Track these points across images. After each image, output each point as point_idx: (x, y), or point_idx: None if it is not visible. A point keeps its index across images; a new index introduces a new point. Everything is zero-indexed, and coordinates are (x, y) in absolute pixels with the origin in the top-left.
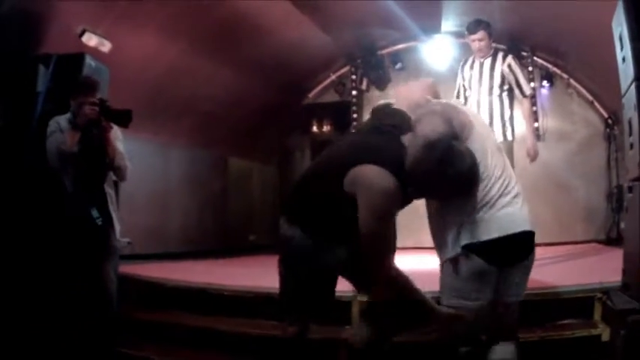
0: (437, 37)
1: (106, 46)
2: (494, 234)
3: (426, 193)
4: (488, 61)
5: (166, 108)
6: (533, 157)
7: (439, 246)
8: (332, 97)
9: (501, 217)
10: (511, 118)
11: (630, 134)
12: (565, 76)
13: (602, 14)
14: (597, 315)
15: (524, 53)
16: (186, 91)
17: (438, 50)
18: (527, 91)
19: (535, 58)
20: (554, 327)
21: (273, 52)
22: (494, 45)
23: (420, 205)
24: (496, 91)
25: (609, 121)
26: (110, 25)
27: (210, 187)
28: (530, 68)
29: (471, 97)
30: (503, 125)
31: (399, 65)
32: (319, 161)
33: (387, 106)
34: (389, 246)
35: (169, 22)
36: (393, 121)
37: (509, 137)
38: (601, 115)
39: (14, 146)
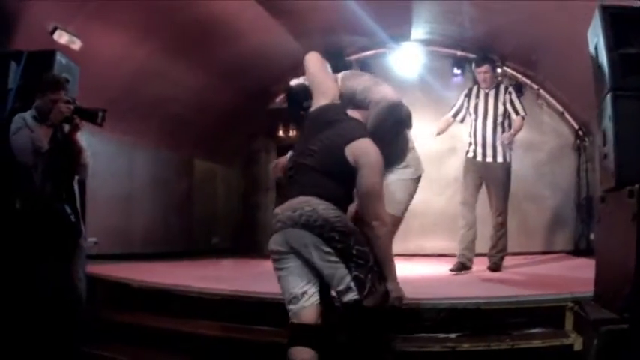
0: (406, 44)
1: (76, 44)
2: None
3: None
4: (492, 92)
5: (134, 108)
6: (506, 137)
7: None
8: None
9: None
10: (510, 143)
11: (604, 144)
12: (535, 86)
13: (573, 25)
14: (569, 324)
15: (495, 63)
16: (154, 92)
17: (407, 58)
18: (521, 112)
19: (505, 67)
20: (524, 336)
21: (242, 56)
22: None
23: (422, 213)
24: (499, 118)
25: (579, 132)
26: (81, 24)
27: (175, 188)
28: (499, 78)
29: (477, 121)
30: (504, 148)
31: (367, 72)
32: (313, 150)
33: (321, 108)
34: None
35: (140, 22)
36: (333, 114)
37: (508, 159)
38: (571, 127)
39: None
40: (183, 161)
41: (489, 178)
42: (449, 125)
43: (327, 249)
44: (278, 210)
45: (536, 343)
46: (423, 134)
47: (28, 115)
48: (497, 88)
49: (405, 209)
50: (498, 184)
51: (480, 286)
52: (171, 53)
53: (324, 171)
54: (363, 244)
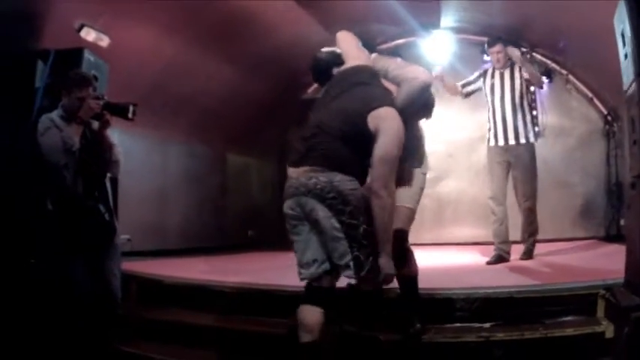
0: (436, 32)
1: (104, 41)
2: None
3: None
4: (507, 72)
5: (165, 104)
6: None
7: None
8: None
9: None
10: (532, 121)
11: (633, 130)
12: (564, 72)
13: (602, 10)
14: (600, 312)
15: (523, 49)
16: (185, 86)
17: (437, 46)
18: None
19: (534, 54)
20: (557, 324)
21: (272, 48)
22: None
23: (455, 201)
24: (517, 98)
25: (608, 117)
26: (109, 20)
27: (208, 183)
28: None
29: (495, 103)
30: (525, 128)
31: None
32: (327, 117)
33: (354, 67)
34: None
35: (169, 17)
36: (366, 76)
37: (532, 139)
38: (600, 112)
39: (12, 142)
40: (217, 155)
41: (514, 162)
42: (455, 91)
43: (335, 223)
44: (293, 174)
45: (569, 331)
46: (453, 122)
47: (54, 114)
48: (512, 67)
49: (418, 201)
50: (523, 167)
51: (512, 274)
52: (201, 47)
53: (342, 137)
54: (370, 224)
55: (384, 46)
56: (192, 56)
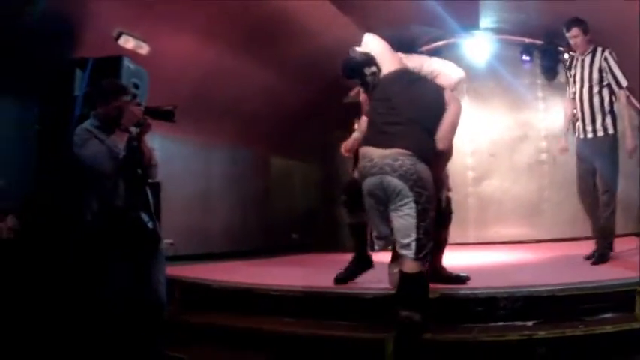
0: (476, 33)
1: (144, 49)
2: None
3: None
4: (587, 58)
5: (207, 109)
6: (630, 151)
7: None
8: None
9: None
10: (611, 111)
11: None
12: None
13: (638, 8)
14: (638, 308)
15: (561, 49)
16: (226, 91)
17: (476, 47)
18: (624, 83)
19: (572, 53)
20: (596, 321)
21: (313, 52)
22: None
23: (498, 201)
24: (595, 86)
25: None
26: (148, 27)
27: (252, 186)
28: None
29: (576, 93)
30: (603, 119)
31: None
32: (406, 107)
33: (402, 69)
34: None
35: (208, 22)
36: (417, 74)
37: (610, 131)
38: (635, 109)
39: (52, 150)
40: (260, 158)
41: (594, 155)
42: (573, 106)
43: (412, 203)
44: (373, 154)
45: (608, 328)
46: (493, 121)
47: (88, 125)
48: (593, 52)
49: None
50: (601, 159)
51: (552, 272)
52: (241, 51)
53: (420, 120)
54: (435, 212)
55: (425, 47)
56: (233, 61)
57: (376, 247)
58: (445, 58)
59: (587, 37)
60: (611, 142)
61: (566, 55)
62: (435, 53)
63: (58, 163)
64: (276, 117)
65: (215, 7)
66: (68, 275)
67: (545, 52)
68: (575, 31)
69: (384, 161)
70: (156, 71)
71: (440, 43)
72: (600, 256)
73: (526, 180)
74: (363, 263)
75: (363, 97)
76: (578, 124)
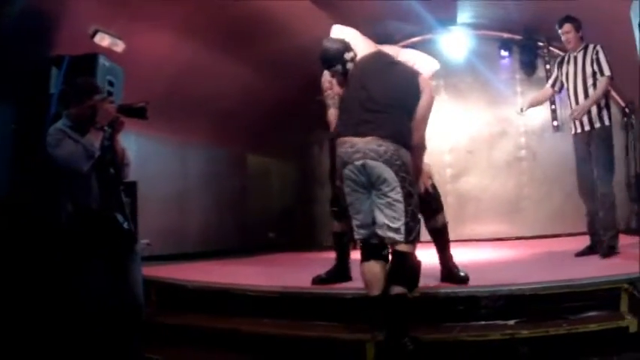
0: (453, 29)
1: (119, 46)
2: None
3: None
4: (580, 54)
5: (183, 107)
6: (575, 114)
7: None
8: None
9: None
10: (607, 104)
11: None
12: None
13: (619, 3)
14: (624, 306)
15: (540, 44)
16: (202, 89)
17: (454, 42)
18: (606, 72)
19: (551, 48)
20: (581, 320)
21: (290, 49)
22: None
23: (476, 198)
24: (589, 79)
25: (626, 110)
26: (124, 25)
27: (228, 185)
28: (546, 59)
29: (570, 90)
30: (599, 112)
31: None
32: (383, 92)
33: (378, 52)
34: None
35: (184, 20)
36: (393, 57)
37: (607, 122)
38: (618, 104)
39: (29, 149)
40: (236, 157)
41: (592, 146)
42: (546, 97)
43: (398, 187)
44: (354, 140)
45: (593, 326)
46: (471, 118)
47: (61, 125)
48: (585, 49)
49: None
50: (597, 152)
51: (535, 270)
52: (218, 49)
53: (399, 106)
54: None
55: (402, 43)
56: (209, 59)
57: (357, 237)
58: None
59: (579, 33)
60: (607, 134)
61: (555, 51)
62: (411, 49)
63: (34, 162)
64: (252, 115)
65: (192, 5)
66: (45, 276)
67: (524, 47)
68: (567, 27)
69: (368, 146)
70: (131, 69)
71: (416, 39)
72: (608, 249)
73: (505, 176)
74: (341, 275)
75: (329, 85)
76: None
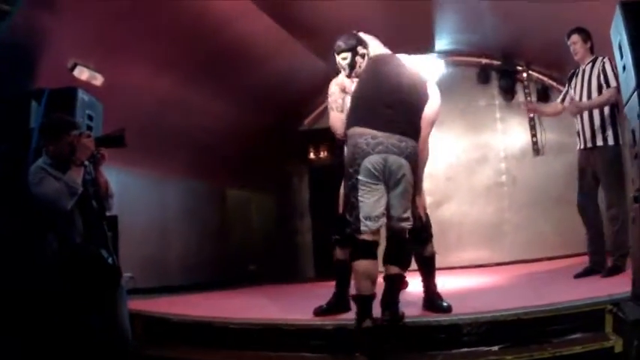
0: (430, 56)
1: (98, 80)
2: None
3: None
4: (588, 67)
5: (161, 140)
6: (572, 110)
7: None
8: (328, 122)
9: None
10: (613, 123)
11: (634, 144)
12: (562, 88)
13: (597, 23)
14: (609, 327)
15: (519, 68)
16: (180, 122)
17: (431, 69)
18: (613, 83)
19: (530, 72)
20: (565, 342)
21: (266, 80)
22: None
23: (458, 224)
24: (594, 94)
25: None
26: (101, 58)
27: (208, 218)
28: (525, 83)
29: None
30: (604, 129)
31: None
32: (399, 91)
33: (390, 54)
34: None
35: (161, 53)
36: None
37: (611, 142)
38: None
39: (9, 183)
40: (215, 190)
41: (596, 167)
42: (555, 112)
43: (411, 180)
44: (375, 133)
45: (578, 348)
46: (450, 144)
47: (42, 163)
48: (594, 61)
49: None
50: (604, 171)
51: (518, 295)
52: (195, 82)
53: (412, 106)
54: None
55: None
56: (186, 92)
57: (363, 229)
58: None
59: (587, 44)
60: (613, 154)
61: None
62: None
63: (15, 199)
64: (231, 147)
65: (168, 38)
66: (32, 314)
67: (502, 72)
68: (574, 37)
69: (390, 141)
70: (110, 102)
71: None
72: (613, 269)
73: (485, 202)
74: (341, 306)
75: (337, 88)
76: (581, 135)
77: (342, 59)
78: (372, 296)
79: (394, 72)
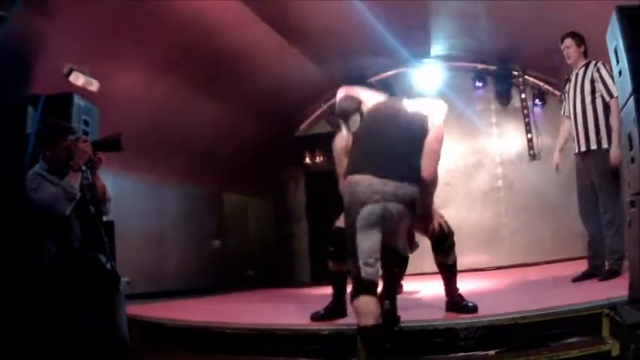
0: (426, 61)
1: (94, 85)
2: None
3: None
4: (581, 71)
5: (158, 145)
6: (613, 160)
7: None
8: (323, 127)
9: None
10: (606, 125)
11: (631, 148)
12: (557, 93)
13: (593, 27)
14: (606, 331)
15: (515, 73)
16: (177, 127)
17: (428, 75)
18: (615, 93)
19: (526, 77)
20: (563, 346)
21: (262, 86)
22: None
23: (456, 229)
24: (587, 97)
25: None
26: (97, 63)
27: (205, 223)
28: (521, 88)
29: (568, 106)
30: (597, 133)
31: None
32: (397, 134)
33: (385, 102)
34: None
35: (157, 59)
36: (400, 104)
37: (604, 145)
38: None
39: (6, 189)
40: (212, 195)
41: (592, 170)
42: (567, 132)
43: (408, 222)
44: (372, 181)
45: (575, 352)
46: (447, 150)
47: (39, 169)
48: (587, 66)
49: None
50: (600, 174)
51: (515, 299)
52: (192, 87)
53: (410, 146)
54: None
55: (375, 78)
56: (183, 97)
57: (364, 275)
58: (396, 88)
59: (580, 49)
60: (607, 157)
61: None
62: (385, 83)
63: (12, 205)
64: (227, 153)
65: (165, 44)
66: (30, 319)
67: (498, 77)
68: (567, 41)
69: (386, 188)
70: (106, 107)
71: (390, 73)
72: (610, 273)
73: (483, 207)
74: (338, 312)
75: (344, 144)
76: (576, 139)
77: (344, 122)
78: (377, 326)
79: (388, 118)
